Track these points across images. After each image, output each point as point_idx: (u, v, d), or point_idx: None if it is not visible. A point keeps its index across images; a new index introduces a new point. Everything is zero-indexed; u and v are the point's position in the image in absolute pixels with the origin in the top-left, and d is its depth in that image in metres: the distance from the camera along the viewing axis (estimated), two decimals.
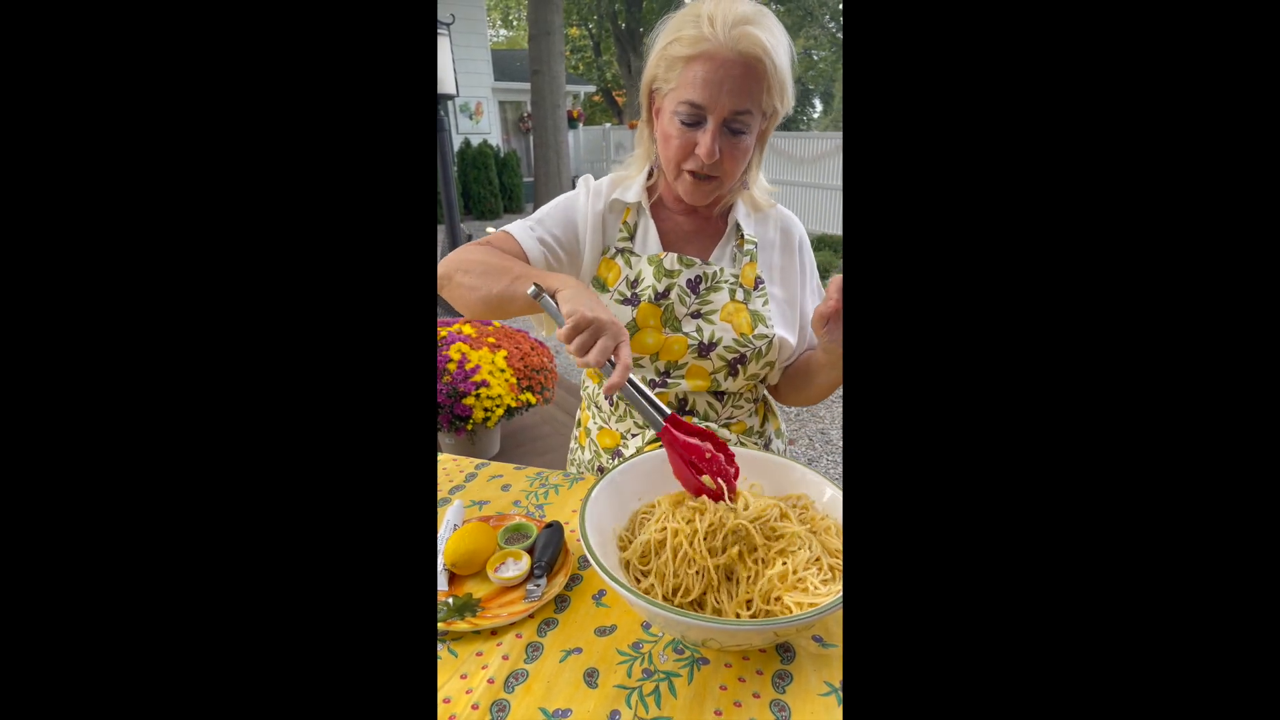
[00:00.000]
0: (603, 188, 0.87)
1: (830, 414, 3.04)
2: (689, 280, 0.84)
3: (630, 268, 0.84)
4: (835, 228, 6.85)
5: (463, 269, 0.75)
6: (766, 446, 0.96)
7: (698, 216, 0.88)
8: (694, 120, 0.73)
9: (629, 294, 0.83)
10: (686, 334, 0.83)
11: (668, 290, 0.83)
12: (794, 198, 7.30)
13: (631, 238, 0.86)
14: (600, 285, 0.85)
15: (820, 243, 6.37)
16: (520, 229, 0.84)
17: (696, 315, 0.84)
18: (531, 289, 0.66)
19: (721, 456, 0.67)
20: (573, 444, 1.03)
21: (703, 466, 0.67)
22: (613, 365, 0.62)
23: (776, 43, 0.72)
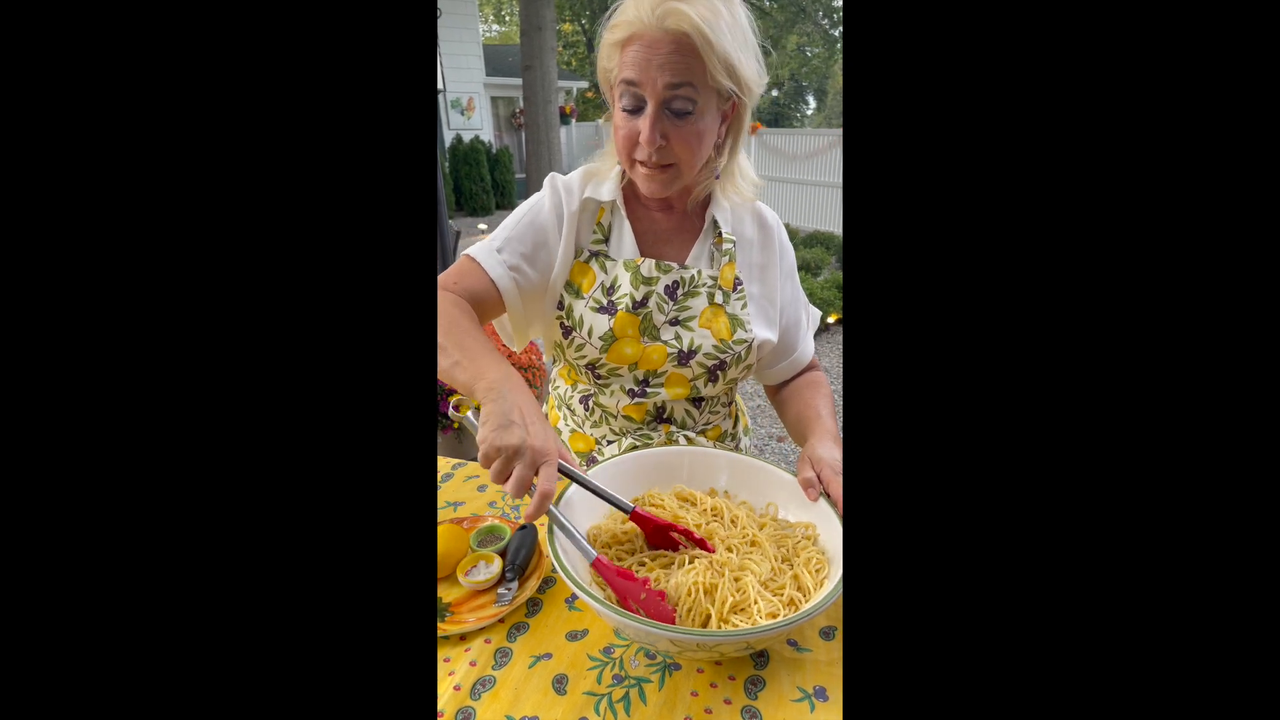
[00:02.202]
0: (573, 184, 0.83)
1: None
2: (667, 286, 0.81)
3: (606, 273, 0.81)
4: (828, 224, 6.84)
5: None
6: (736, 447, 0.95)
7: (674, 214, 0.84)
8: (635, 105, 0.71)
9: (605, 302, 0.80)
10: (665, 342, 0.80)
11: (646, 298, 0.80)
12: (787, 194, 7.29)
13: (606, 240, 0.83)
14: (575, 291, 0.82)
15: (812, 239, 6.36)
16: (486, 255, 0.80)
17: (675, 322, 0.81)
18: (452, 409, 0.64)
19: (659, 596, 0.57)
20: None
21: (638, 604, 0.57)
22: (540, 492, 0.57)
23: (713, 17, 0.66)
